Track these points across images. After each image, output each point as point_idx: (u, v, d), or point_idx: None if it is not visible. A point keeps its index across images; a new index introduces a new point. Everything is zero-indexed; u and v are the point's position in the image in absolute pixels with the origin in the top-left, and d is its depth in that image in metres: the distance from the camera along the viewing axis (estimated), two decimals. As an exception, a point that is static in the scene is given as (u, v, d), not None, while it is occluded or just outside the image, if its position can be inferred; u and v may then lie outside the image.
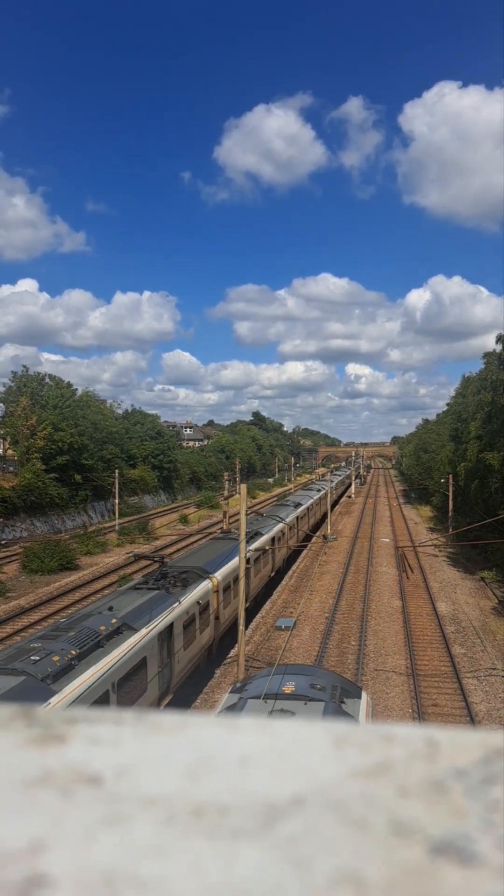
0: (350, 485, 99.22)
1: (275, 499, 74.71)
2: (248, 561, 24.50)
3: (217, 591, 22.80)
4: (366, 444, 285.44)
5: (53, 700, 11.84)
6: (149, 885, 0.41)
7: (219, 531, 39.10)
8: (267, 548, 33.08)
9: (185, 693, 19.69)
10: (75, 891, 0.41)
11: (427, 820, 0.47)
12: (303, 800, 0.49)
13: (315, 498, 57.32)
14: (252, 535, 28.83)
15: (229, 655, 23.40)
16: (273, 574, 35.75)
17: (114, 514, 57.13)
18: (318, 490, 63.87)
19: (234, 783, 0.51)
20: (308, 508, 50.52)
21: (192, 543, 44.28)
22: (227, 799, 0.50)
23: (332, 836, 0.45)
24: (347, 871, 0.42)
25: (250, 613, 26.69)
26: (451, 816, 0.48)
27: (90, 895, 0.40)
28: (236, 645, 20.54)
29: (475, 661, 23.15)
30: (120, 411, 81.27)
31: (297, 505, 48.22)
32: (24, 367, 63.30)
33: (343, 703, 13.00)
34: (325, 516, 56.08)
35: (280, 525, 37.71)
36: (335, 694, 13.22)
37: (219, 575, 23.28)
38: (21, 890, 0.40)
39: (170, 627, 17.95)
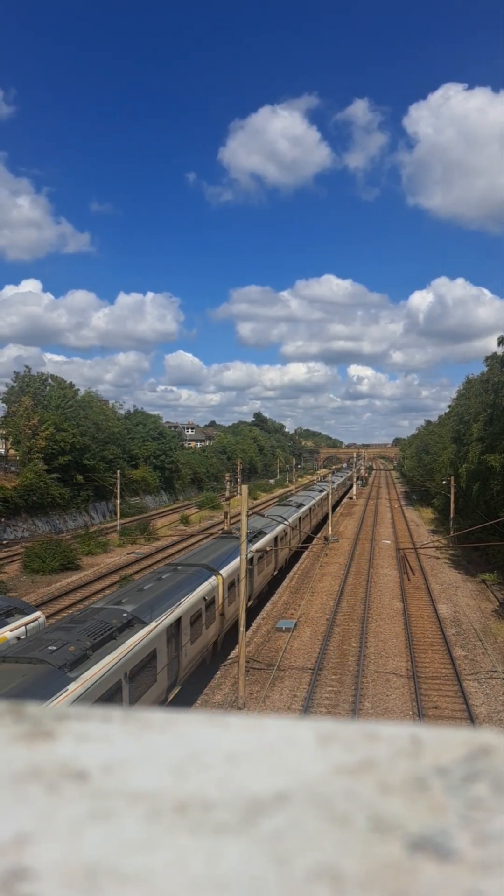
0: (351, 486, 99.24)
1: (276, 499, 74.71)
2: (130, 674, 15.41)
3: None
4: (367, 446, 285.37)
5: None
6: (132, 878, 0.41)
7: (220, 531, 38.96)
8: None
9: (186, 693, 19.69)
10: (58, 884, 0.41)
11: (407, 816, 0.48)
12: (286, 796, 0.50)
13: (293, 518, 42.57)
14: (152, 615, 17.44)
15: (230, 656, 23.42)
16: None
17: (115, 514, 57.21)
18: (298, 507, 48.56)
19: (219, 779, 0.52)
20: (277, 538, 35.67)
21: (193, 544, 44.25)
22: (212, 795, 0.50)
23: (313, 831, 0.46)
24: (326, 866, 0.42)
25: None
26: (431, 813, 0.48)
27: (73, 888, 0.40)
28: (237, 646, 20.56)
29: (476, 663, 23.15)
30: (122, 412, 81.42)
31: (259, 535, 31.69)
32: (27, 367, 63.51)
33: None
34: (325, 518, 56.12)
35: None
36: None
37: None
38: (4, 882, 0.40)
39: None
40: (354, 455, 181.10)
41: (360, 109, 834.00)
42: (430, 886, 0.41)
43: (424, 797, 0.50)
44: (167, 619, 17.91)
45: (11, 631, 18.09)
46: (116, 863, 0.42)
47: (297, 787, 0.51)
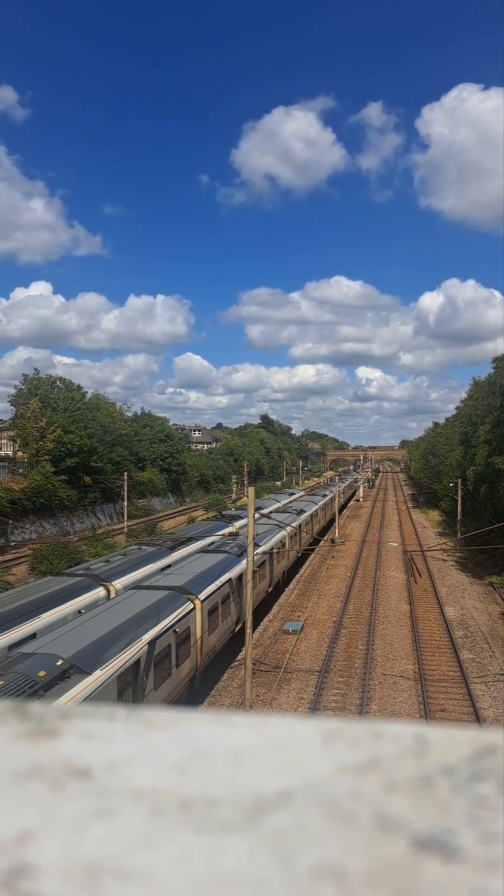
0: (358, 488, 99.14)
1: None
2: None
3: None
4: (375, 448, 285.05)
5: None
6: (134, 876, 0.41)
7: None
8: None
9: (190, 696, 19.71)
10: (60, 881, 0.41)
11: (412, 815, 0.48)
12: (291, 794, 0.50)
13: (294, 524, 38.96)
14: None
15: (237, 659, 23.43)
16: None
17: (122, 516, 57.32)
18: (299, 514, 44.15)
19: (223, 777, 0.52)
20: (272, 551, 31.27)
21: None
22: (216, 793, 0.50)
23: (318, 829, 0.46)
24: (331, 864, 0.43)
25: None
26: (437, 812, 0.48)
27: (75, 885, 0.41)
28: (243, 648, 20.58)
29: (483, 666, 23.07)
30: (129, 414, 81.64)
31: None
32: (36, 369, 63.75)
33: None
34: (331, 522, 56.05)
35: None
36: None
37: None
38: (6, 880, 0.40)
39: None
40: (361, 457, 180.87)
41: (374, 112, 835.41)
42: (435, 885, 0.41)
43: (430, 796, 0.50)
44: (120, 663, 14.43)
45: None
46: (119, 860, 0.42)
47: (302, 785, 0.51)
